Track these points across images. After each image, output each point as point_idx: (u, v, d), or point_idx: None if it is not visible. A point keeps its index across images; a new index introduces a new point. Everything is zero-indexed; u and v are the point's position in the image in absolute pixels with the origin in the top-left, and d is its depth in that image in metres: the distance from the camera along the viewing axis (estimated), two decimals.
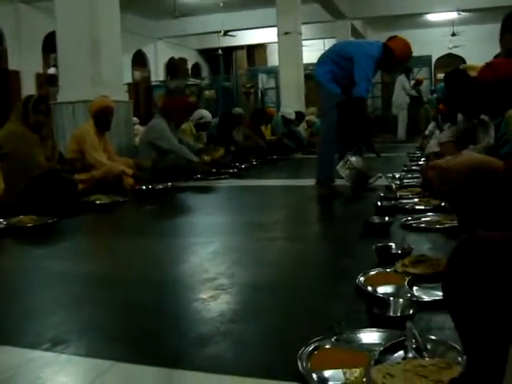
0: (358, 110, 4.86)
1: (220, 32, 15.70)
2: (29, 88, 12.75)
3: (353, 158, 4.86)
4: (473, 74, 3.71)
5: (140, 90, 15.38)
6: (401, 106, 13.12)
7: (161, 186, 5.62)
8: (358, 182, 4.90)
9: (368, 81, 4.78)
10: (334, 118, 4.89)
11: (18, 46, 12.76)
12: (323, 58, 5.12)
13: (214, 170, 6.89)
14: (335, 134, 4.91)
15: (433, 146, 4.94)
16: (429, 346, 1.48)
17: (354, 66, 4.73)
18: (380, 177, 4.87)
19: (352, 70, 4.76)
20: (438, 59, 19.63)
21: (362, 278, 2.23)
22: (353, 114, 4.92)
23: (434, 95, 12.94)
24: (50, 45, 13.08)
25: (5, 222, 3.80)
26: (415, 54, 16.43)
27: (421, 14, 16.16)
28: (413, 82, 13.90)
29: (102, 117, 5.56)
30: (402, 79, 13.17)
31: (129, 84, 14.30)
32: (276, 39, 12.44)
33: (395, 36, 5.05)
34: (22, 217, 3.88)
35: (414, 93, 13.11)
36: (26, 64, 12.95)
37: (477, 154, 1.60)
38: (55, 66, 10.36)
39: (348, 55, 4.85)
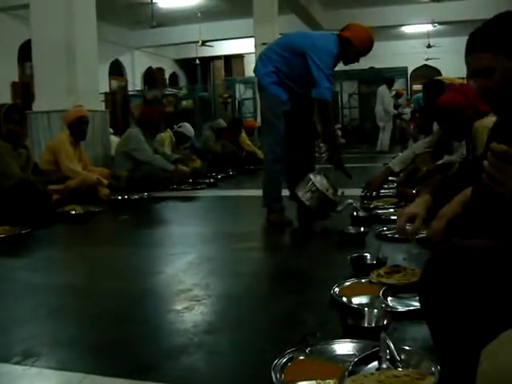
0: (322, 116, 3.97)
1: (198, 42, 15.72)
2: (5, 97, 12.61)
3: (316, 178, 3.80)
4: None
5: (117, 100, 15.30)
6: (386, 118, 13.16)
7: (136, 196, 5.59)
8: (322, 209, 3.83)
9: (329, 80, 3.83)
10: (280, 130, 3.96)
11: None
12: (267, 53, 4.08)
13: (190, 180, 6.87)
14: (281, 150, 3.99)
15: (419, 147, 4.68)
16: (403, 357, 1.48)
17: (307, 63, 3.83)
18: (350, 204, 3.85)
19: (303, 69, 3.86)
20: (414, 71, 19.86)
21: (336, 289, 2.23)
22: (309, 123, 4.17)
23: (409, 109, 13.11)
24: (26, 53, 12.98)
25: None
26: (392, 65, 16.55)
27: (397, 26, 16.36)
28: (393, 93, 13.97)
29: (78, 126, 5.52)
30: (382, 91, 13.23)
31: (106, 93, 14.26)
32: (253, 49, 12.48)
33: (349, 24, 4.10)
34: None
35: (391, 109, 13.16)
36: (2, 73, 12.82)
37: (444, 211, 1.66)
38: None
39: (299, 50, 3.90)
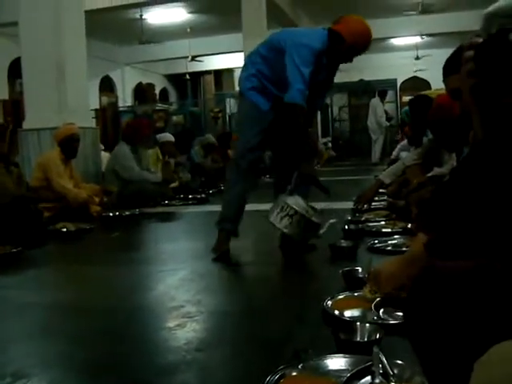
0: (294, 124, 3.27)
1: (187, 57, 15.77)
2: None
3: (290, 199, 3.17)
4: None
5: (107, 116, 15.29)
6: (378, 131, 13.19)
7: (128, 213, 5.58)
8: (305, 233, 3.20)
9: (303, 81, 3.20)
10: (253, 143, 3.43)
11: None
12: (251, 56, 3.59)
13: (181, 196, 6.87)
14: (248, 166, 3.44)
15: (409, 159, 4.63)
16: (395, 371, 1.48)
17: (285, 61, 3.27)
18: (334, 223, 3.32)
19: (284, 70, 3.27)
20: (403, 82, 19.99)
21: (329, 303, 2.23)
22: (285, 132, 3.44)
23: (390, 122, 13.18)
24: (16, 71, 12.97)
25: None
26: (381, 77, 16.60)
27: (386, 39, 16.46)
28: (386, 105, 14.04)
29: (68, 144, 5.51)
30: (375, 103, 13.28)
31: (96, 110, 14.24)
32: (243, 64, 12.53)
33: (342, 16, 3.47)
34: None
35: (384, 120, 13.22)
36: None
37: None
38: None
39: (279, 47, 3.36)
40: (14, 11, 6.68)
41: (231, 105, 17.55)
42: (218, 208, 5.37)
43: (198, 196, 7.04)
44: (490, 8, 1.14)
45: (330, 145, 16.52)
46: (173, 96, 21.16)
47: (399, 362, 1.57)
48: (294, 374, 1.57)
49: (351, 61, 3.47)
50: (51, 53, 6.21)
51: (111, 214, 5.55)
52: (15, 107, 13.15)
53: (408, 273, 1.92)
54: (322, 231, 3.24)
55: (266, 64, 3.44)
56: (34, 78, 6.30)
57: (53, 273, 3.55)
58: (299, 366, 1.60)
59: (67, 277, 3.41)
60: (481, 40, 1.08)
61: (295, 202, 3.18)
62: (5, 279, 3.30)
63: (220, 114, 17.01)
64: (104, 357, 1.92)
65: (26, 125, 6.37)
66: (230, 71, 20.27)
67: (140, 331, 2.19)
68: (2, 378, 1.73)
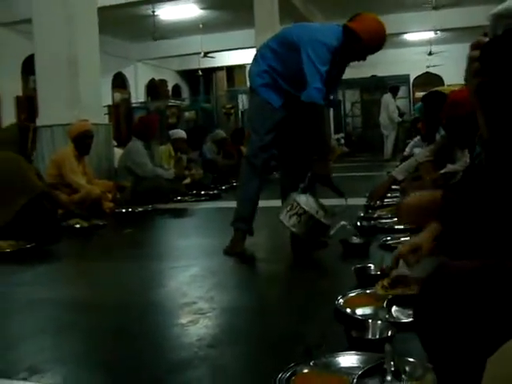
0: (312, 122, 3.26)
1: (200, 53, 15.77)
2: (9, 111, 12.68)
3: (301, 198, 3.16)
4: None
5: (120, 112, 15.36)
6: (390, 126, 13.14)
7: (141, 209, 5.61)
8: (312, 234, 3.20)
9: (321, 79, 3.16)
10: (266, 141, 3.40)
11: None
12: (262, 51, 3.53)
13: (194, 192, 6.89)
14: (262, 163, 3.43)
15: (421, 155, 4.63)
16: (407, 369, 1.48)
17: (301, 58, 3.22)
18: (344, 226, 3.26)
19: (298, 66, 3.22)
20: (416, 78, 19.86)
21: (341, 300, 2.23)
22: (312, 133, 3.36)
23: (402, 118, 13.11)
24: (29, 68, 13.05)
25: None
26: (394, 73, 16.48)
27: (399, 34, 16.37)
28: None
29: (82, 141, 5.54)
30: (387, 99, 13.23)
31: (109, 106, 14.30)
32: (253, 58, 12.51)
33: (359, 14, 3.41)
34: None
35: (396, 116, 13.16)
36: (6, 87, 12.89)
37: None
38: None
39: (292, 43, 3.31)
40: (27, 8, 6.72)
41: (243, 101, 17.55)
42: (230, 204, 5.39)
43: (211, 192, 7.06)
44: (497, 9, 1.14)
45: (342, 141, 16.48)
46: (185, 92, 21.17)
47: (411, 359, 1.57)
48: (306, 370, 1.57)
49: (364, 59, 3.44)
50: (64, 50, 6.24)
51: (124, 211, 5.57)
52: (29, 103, 13.25)
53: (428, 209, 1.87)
54: (331, 233, 3.23)
55: (278, 59, 3.39)
56: (47, 74, 6.34)
57: (66, 269, 3.58)
58: (311, 363, 1.60)
59: (80, 273, 3.44)
60: (487, 40, 1.08)
61: (305, 201, 3.17)
62: (19, 275, 3.33)
63: (232, 110, 17.01)
64: (117, 353, 1.94)
65: (39, 121, 6.40)
66: (242, 67, 20.25)
67: (152, 327, 2.20)
68: (17, 373, 1.75)
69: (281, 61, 3.38)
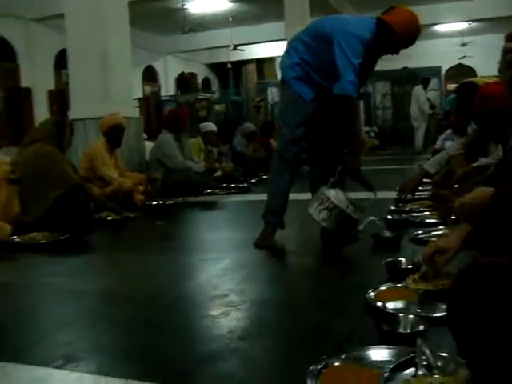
0: (345, 115, 3.25)
1: (229, 46, 15.78)
2: (41, 105, 12.87)
3: (331, 192, 3.15)
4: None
5: (150, 105, 15.47)
6: (421, 118, 13.02)
7: (171, 202, 5.64)
8: (342, 228, 3.20)
9: (354, 72, 3.14)
10: (297, 134, 3.40)
11: (30, 63, 12.89)
12: (293, 43, 3.50)
13: (224, 185, 6.92)
14: (293, 156, 3.42)
15: (453, 148, 4.55)
16: (439, 363, 1.47)
17: (333, 51, 3.19)
18: (373, 221, 3.29)
19: (331, 58, 3.19)
20: (448, 70, 19.60)
21: (371, 294, 2.22)
22: (343, 126, 3.35)
23: (433, 110, 12.95)
24: (61, 62, 13.22)
25: (18, 239, 3.84)
26: (425, 64, 16.29)
27: (430, 25, 16.16)
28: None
29: (113, 134, 5.60)
30: (418, 90, 13.09)
31: (139, 99, 14.41)
32: (285, 50, 12.48)
33: (393, 6, 3.36)
34: (34, 233, 3.92)
35: (427, 108, 13.02)
36: (39, 81, 13.07)
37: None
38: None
39: (325, 35, 3.28)
40: (59, 4, 6.81)
41: (273, 93, 17.53)
42: (260, 197, 5.40)
43: (241, 185, 7.08)
44: None
45: (372, 134, 16.36)
46: (215, 85, 21.22)
47: (443, 354, 1.56)
48: (337, 363, 1.57)
49: (397, 53, 3.40)
50: (96, 43, 6.31)
51: (155, 203, 5.62)
52: (61, 97, 13.42)
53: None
54: (360, 227, 3.22)
55: (310, 52, 3.37)
56: (80, 68, 6.41)
57: (98, 260, 3.63)
58: (342, 357, 1.60)
59: (112, 264, 3.48)
60: None
61: (336, 195, 3.15)
62: (52, 266, 3.40)
63: (262, 103, 17.00)
64: (149, 343, 1.96)
65: (72, 115, 6.48)
66: (272, 60, 20.22)
67: (183, 319, 2.22)
68: (53, 361, 1.79)
69: (313, 53, 3.36)
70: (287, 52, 3.52)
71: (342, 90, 3.15)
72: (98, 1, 6.31)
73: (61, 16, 6.88)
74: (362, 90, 3.60)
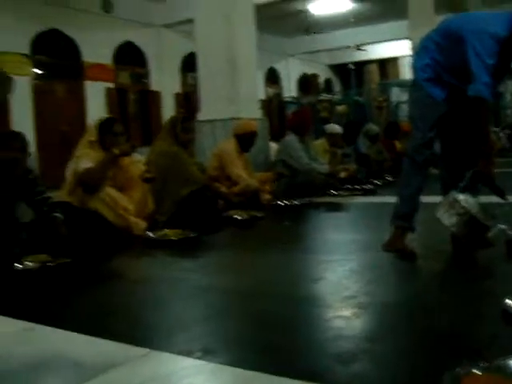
0: (478, 118, 3.08)
1: (351, 47, 15.70)
2: (169, 107, 13.44)
3: (462, 197, 3.06)
4: None
5: (272, 107, 15.71)
6: None
7: (297, 202, 5.69)
8: (471, 235, 3.07)
9: (489, 73, 2.94)
10: (428, 137, 3.31)
11: (159, 67, 13.49)
12: (424, 42, 3.37)
13: (348, 186, 6.90)
14: (424, 159, 3.34)
15: None
16: None
17: (466, 50, 3.01)
18: (502, 230, 3.09)
19: (463, 58, 3.02)
20: None
21: (509, 302, 2.14)
22: (477, 127, 3.14)
23: None
24: (187, 65, 13.74)
25: (152, 235, 4.05)
26: None
27: None
28: None
29: (247, 139, 5.78)
30: None
31: (262, 100, 14.69)
32: (408, 52, 12.22)
33: None
34: (167, 230, 4.12)
35: None
36: (166, 84, 13.66)
37: None
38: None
39: (455, 34, 3.11)
40: (185, 10, 7.06)
41: (396, 93, 17.20)
42: (385, 200, 5.32)
43: (365, 187, 7.02)
44: None
45: (501, 134, 15.61)
46: (337, 86, 21.16)
47: None
48: (477, 372, 1.52)
49: None
50: (224, 47, 6.51)
51: (281, 203, 5.69)
52: (186, 100, 13.94)
53: None
54: (490, 234, 3.08)
55: (441, 51, 3.23)
56: (209, 71, 6.65)
57: (227, 258, 3.74)
58: (481, 364, 1.55)
59: (240, 262, 3.57)
60: None
61: (466, 200, 3.06)
62: (184, 262, 3.56)
63: (385, 103, 16.73)
64: (279, 340, 2.00)
65: (201, 116, 6.73)
66: (395, 60, 19.87)
67: (313, 318, 2.25)
68: (192, 352, 1.88)
69: (444, 53, 3.23)
70: (417, 53, 3.43)
71: (476, 92, 3.00)
72: (227, 5, 6.51)
73: (189, 21, 7.14)
74: (496, 90, 3.46)
